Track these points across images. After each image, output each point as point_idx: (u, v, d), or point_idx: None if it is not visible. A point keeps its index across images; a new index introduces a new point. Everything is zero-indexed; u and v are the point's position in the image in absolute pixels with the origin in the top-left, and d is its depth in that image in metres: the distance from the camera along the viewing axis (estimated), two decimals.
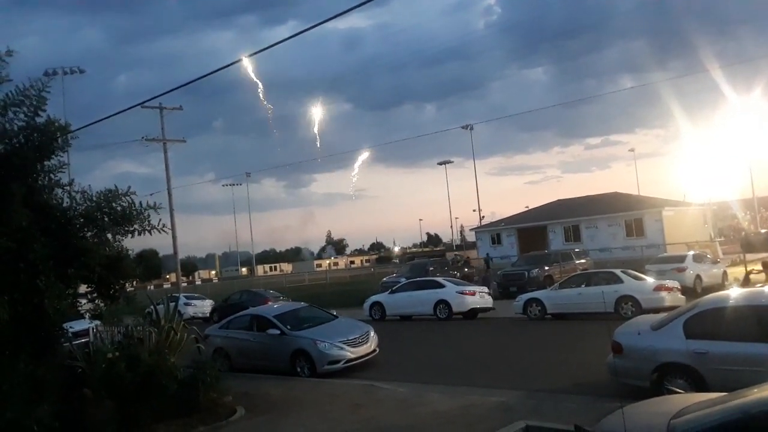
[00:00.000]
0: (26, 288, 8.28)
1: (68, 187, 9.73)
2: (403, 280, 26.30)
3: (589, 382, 10.17)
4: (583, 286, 18.56)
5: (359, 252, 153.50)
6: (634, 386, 8.55)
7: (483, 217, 64.08)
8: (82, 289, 9.94)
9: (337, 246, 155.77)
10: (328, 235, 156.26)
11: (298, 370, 13.18)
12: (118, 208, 9.48)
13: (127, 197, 9.51)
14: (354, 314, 20.20)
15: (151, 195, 22.61)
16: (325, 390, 11.26)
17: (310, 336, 13.36)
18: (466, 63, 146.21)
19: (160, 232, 9.88)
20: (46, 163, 9.36)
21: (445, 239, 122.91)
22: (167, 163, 37.24)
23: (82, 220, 9.46)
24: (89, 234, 9.54)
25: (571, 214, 47.78)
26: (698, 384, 7.92)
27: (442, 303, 20.99)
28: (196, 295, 34.61)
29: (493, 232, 53.00)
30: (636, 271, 19.46)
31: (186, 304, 28.66)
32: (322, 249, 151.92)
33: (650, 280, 18.37)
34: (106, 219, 9.47)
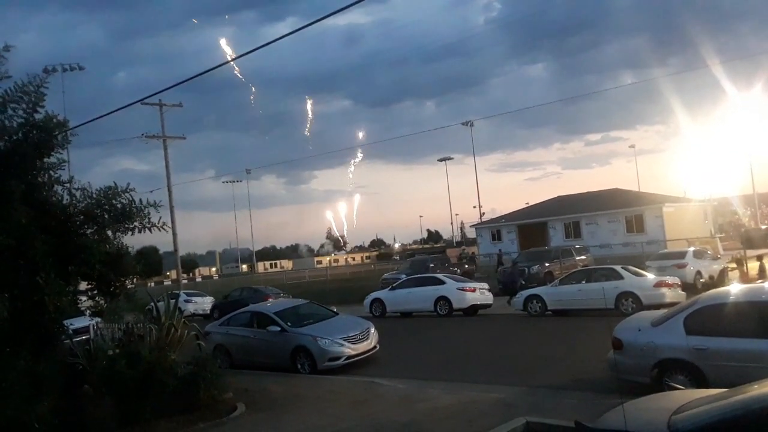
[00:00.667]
0: (26, 285, 8.27)
1: (68, 184, 9.70)
2: (404, 277, 26.31)
3: (590, 379, 10.18)
4: (583, 282, 18.56)
5: (360, 249, 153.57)
6: (634, 382, 8.54)
7: (483, 213, 64.03)
8: (83, 286, 9.93)
9: (337, 243, 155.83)
10: (329, 232, 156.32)
11: (299, 366, 13.19)
12: (118, 206, 9.45)
13: (127, 194, 9.49)
14: (354, 311, 20.23)
15: (151, 192, 22.61)
16: (325, 387, 11.27)
17: (310, 333, 13.36)
18: (466, 59, 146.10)
19: (160, 229, 9.86)
20: (45, 160, 9.32)
21: (446, 236, 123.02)
22: (167, 160, 37.26)
23: (82, 217, 9.44)
24: (89, 231, 9.52)
25: (572, 210, 47.76)
26: (698, 380, 7.93)
27: (443, 299, 21.00)
28: (196, 292, 34.62)
29: (494, 228, 53.01)
30: (636, 267, 19.46)
31: (186, 301, 28.68)
32: (322, 246, 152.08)
33: (651, 276, 18.37)
34: (106, 216, 9.44)
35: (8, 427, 7.40)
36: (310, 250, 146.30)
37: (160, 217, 9.85)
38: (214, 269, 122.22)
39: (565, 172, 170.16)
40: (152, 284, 63.61)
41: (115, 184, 9.52)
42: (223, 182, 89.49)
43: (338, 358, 13.00)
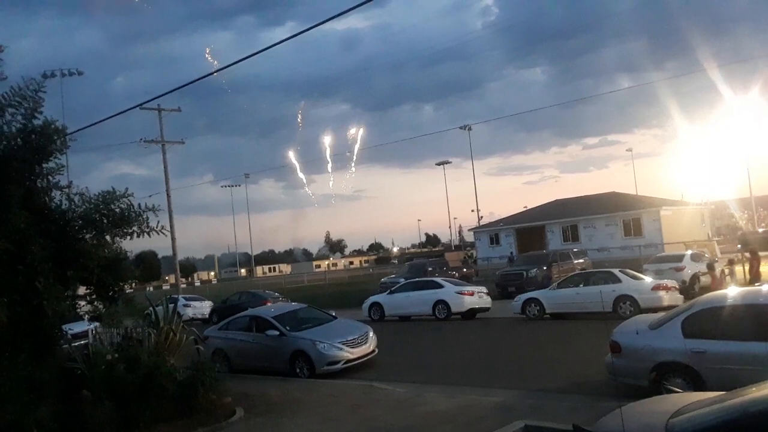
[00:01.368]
0: (25, 290, 8.28)
1: (66, 189, 9.72)
2: (402, 281, 26.33)
3: (588, 382, 10.19)
4: (581, 285, 18.59)
5: (358, 252, 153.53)
6: (632, 385, 8.56)
7: (481, 217, 64.26)
8: (81, 290, 9.93)
9: (337, 248, 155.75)
10: (327, 236, 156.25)
11: (298, 370, 13.18)
12: (117, 210, 9.47)
13: (126, 199, 9.51)
14: (353, 315, 20.23)
15: (150, 196, 22.66)
16: (324, 391, 11.27)
17: (309, 337, 13.36)
18: (464, 63, 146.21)
19: (158, 233, 9.88)
20: (44, 165, 9.35)
21: (444, 239, 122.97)
22: (166, 165, 37.26)
23: (80, 222, 9.45)
24: (88, 236, 9.53)
25: (569, 213, 47.86)
26: (696, 383, 7.94)
27: (441, 303, 21.01)
28: (195, 296, 34.60)
29: (492, 232, 53.07)
30: (634, 270, 19.49)
31: (185, 306, 28.63)
32: (320, 250, 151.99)
33: (648, 279, 18.40)
34: (104, 221, 9.45)
35: (8, 431, 7.39)
36: (306, 253, 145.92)
37: (159, 222, 9.88)
38: (212, 273, 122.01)
39: (563, 175, 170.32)
40: (151, 289, 63.58)
41: (114, 188, 9.55)
42: (222, 186, 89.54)
43: (337, 362, 13.00)
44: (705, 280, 19.89)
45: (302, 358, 13.17)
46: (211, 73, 10.36)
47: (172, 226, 35.83)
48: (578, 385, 10.18)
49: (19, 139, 8.99)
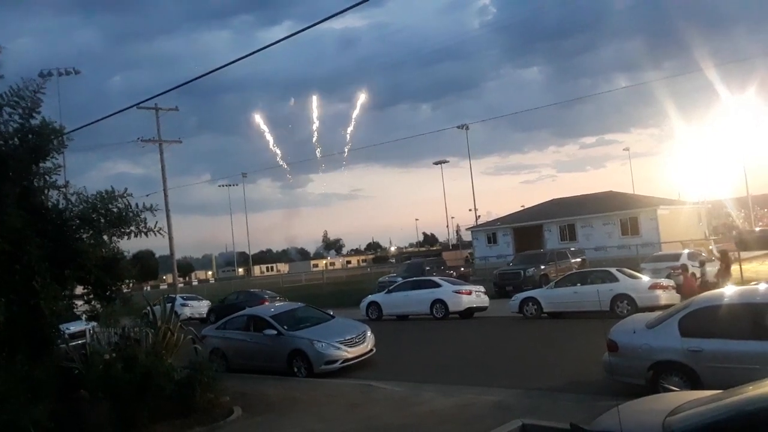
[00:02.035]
0: (22, 289, 8.27)
1: (64, 189, 9.71)
2: (400, 280, 26.32)
3: (585, 381, 10.21)
4: (578, 284, 18.60)
5: (356, 252, 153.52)
6: (629, 384, 8.59)
7: (479, 216, 64.16)
8: (78, 290, 9.92)
9: (334, 246, 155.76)
10: (324, 236, 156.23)
11: (295, 370, 13.18)
12: (114, 210, 9.46)
13: (123, 199, 9.50)
14: (351, 314, 20.21)
15: (147, 196, 22.63)
16: (322, 390, 11.27)
17: (307, 336, 13.36)
18: (462, 63, 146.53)
19: (156, 233, 9.88)
20: (41, 164, 9.34)
21: (442, 239, 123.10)
22: (163, 164, 37.22)
23: (77, 221, 9.44)
24: (85, 235, 9.52)
25: (567, 213, 47.89)
26: (693, 382, 7.96)
27: (439, 302, 21.02)
28: (192, 295, 34.54)
29: (489, 231, 53.06)
30: (631, 269, 19.52)
31: (183, 305, 28.56)
32: (318, 249, 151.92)
33: (645, 278, 18.44)
34: (102, 220, 9.45)
35: (4, 431, 7.38)
36: (301, 252, 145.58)
37: (156, 221, 9.88)
38: (210, 273, 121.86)
39: (560, 174, 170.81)
40: (148, 288, 63.48)
41: (112, 188, 9.54)
42: (219, 186, 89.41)
43: (335, 362, 13.00)
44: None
45: (300, 358, 13.16)
46: (209, 73, 10.34)
47: (169, 226, 35.77)
48: (575, 384, 10.19)
49: (16, 139, 8.98)
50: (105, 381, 8.97)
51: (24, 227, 8.31)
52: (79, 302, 10.05)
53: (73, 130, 10.17)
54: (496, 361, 13.31)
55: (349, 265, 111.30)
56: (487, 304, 21.47)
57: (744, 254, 26.18)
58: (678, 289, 17.38)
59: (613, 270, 18.60)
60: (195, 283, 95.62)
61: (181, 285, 54.08)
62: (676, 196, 54.52)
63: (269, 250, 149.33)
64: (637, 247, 32.35)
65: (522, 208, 60.25)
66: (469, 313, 20.96)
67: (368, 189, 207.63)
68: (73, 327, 12.01)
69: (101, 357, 9.38)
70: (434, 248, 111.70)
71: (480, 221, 59.45)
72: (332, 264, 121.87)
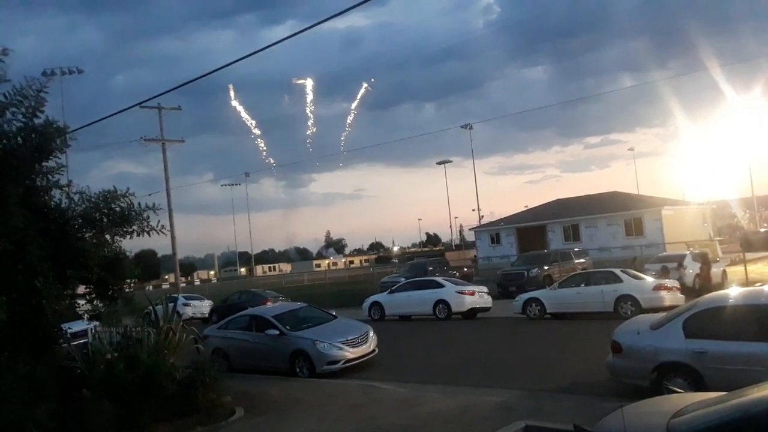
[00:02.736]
0: (24, 289, 8.27)
1: (66, 188, 9.71)
2: (403, 280, 26.31)
3: (589, 382, 10.17)
4: (582, 285, 18.56)
5: (358, 252, 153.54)
6: (633, 386, 8.55)
7: (482, 216, 64.20)
8: (81, 289, 9.92)
9: (336, 246, 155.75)
10: (327, 235, 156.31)
11: (297, 370, 13.17)
12: (117, 209, 9.46)
13: (126, 198, 9.50)
14: (353, 314, 20.21)
15: (149, 195, 22.66)
16: (324, 390, 11.25)
17: (309, 336, 13.35)
18: (466, 62, 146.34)
19: (158, 233, 9.87)
20: (44, 164, 9.34)
21: (445, 239, 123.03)
22: (166, 164, 37.19)
23: (80, 221, 9.44)
24: (88, 235, 9.52)
25: (571, 213, 47.78)
26: (697, 383, 7.92)
27: (442, 303, 20.99)
28: (194, 295, 34.54)
29: (493, 231, 52.98)
30: (635, 270, 19.45)
31: (185, 305, 28.61)
32: (320, 249, 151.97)
33: (649, 279, 18.37)
34: (104, 220, 9.45)
35: (7, 430, 7.37)
36: (299, 252, 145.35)
37: (159, 221, 9.86)
38: (212, 272, 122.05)
39: (565, 175, 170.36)
40: (150, 288, 63.53)
41: (114, 187, 9.54)
42: (222, 185, 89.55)
43: (337, 362, 12.98)
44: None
45: (302, 358, 13.15)
46: (212, 72, 10.34)
47: (172, 225, 35.77)
48: (579, 385, 10.15)
49: (19, 138, 8.98)
50: (107, 381, 8.97)
51: (26, 227, 8.31)
52: (82, 302, 10.04)
53: (75, 129, 10.18)
54: (499, 362, 13.27)
55: (352, 265, 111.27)
56: (490, 305, 21.43)
57: (749, 255, 26.06)
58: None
59: (617, 271, 18.55)
60: (197, 282, 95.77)
61: (184, 285, 54.07)
62: (681, 196, 54.34)
63: (271, 250, 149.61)
64: (642, 248, 32.27)
65: (525, 209, 60.18)
66: (472, 313, 20.92)
67: (371, 189, 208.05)
68: (75, 326, 12.00)
69: (103, 357, 9.37)
70: (437, 248, 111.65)
71: (483, 221, 59.48)
72: (335, 264, 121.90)
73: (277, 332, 13.60)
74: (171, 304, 12.97)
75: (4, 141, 8.92)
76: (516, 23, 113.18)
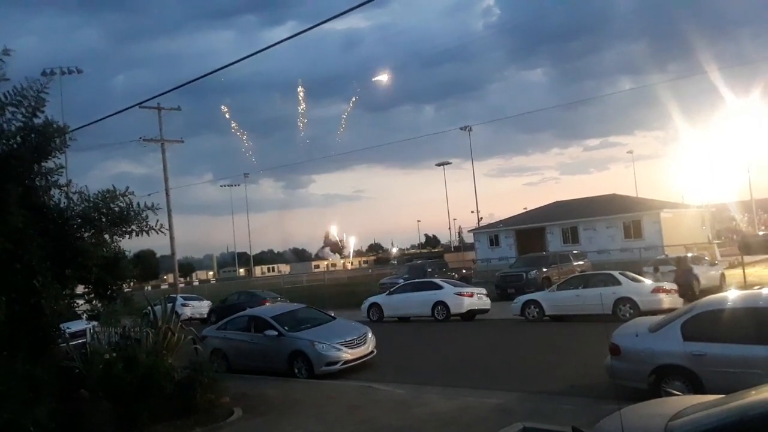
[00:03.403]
0: (23, 288, 8.26)
1: (65, 188, 9.70)
2: (401, 282, 26.32)
3: (587, 384, 10.17)
4: (581, 287, 18.57)
5: (357, 253, 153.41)
6: (631, 388, 8.55)
7: (481, 218, 64.18)
8: (80, 289, 9.92)
9: (335, 248, 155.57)
10: (326, 236, 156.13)
11: (296, 371, 13.16)
12: (116, 209, 9.46)
13: (125, 198, 9.50)
14: (352, 315, 20.22)
15: (149, 195, 22.65)
16: (322, 391, 11.25)
17: (307, 337, 13.34)
18: (465, 64, 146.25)
19: (158, 233, 9.87)
20: (43, 164, 9.33)
21: (444, 240, 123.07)
22: (165, 164, 37.18)
23: (79, 220, 9.44)
24: (87, 235, 9.52)
25: (570, 215, 47.80)
26: (696, 386, 7.93)
27: (440, 304, 21.00)
28: (193, 295, 34.54)
29: (492, 233, 52.99)
30: (634, 272, 19.48)
31: (183, 305, 28.57)
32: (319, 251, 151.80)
33: (648, 282, 18.39)
34: (103, 220, 9.44)
35: (5, 430, 7.37)
36: (296, 253, 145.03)
37: (158, 221, 9.86)
38: (211, 273, 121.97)
39: (564, 177, 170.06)
40: (149, 288, 63.50)
41: (114, 187, 9.53)
42: (221, 186, 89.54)
43: (335, 363, 12.98)
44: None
45: (301, 359, 13.15)
46: (211, 72, 10.35)
47: (171, 226, 35.73)
48: (577, 388, 10.16)
49: (18, 138, 8.98)
50: (105, 381, 8.97)
51: (26, 226, 8.30)
52: (80, 301, 10.04)
53: (75, 129, 10.18)
54: (497, 363, 13.28)
55: (351, 267, 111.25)
56: (488, 307, 21.44)
57: (748, 258, 26.06)
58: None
59: (616, 273, 18.55)
60: (196, 283, 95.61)
61: (182, 285, 54.08)
62: (680, 199, 54.40)
63: (270, 251, 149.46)
64: (640, 251, 32.28)
65: (524, 211, 60.16)
66: (470, 315, 20.93)
67: (370, 190, 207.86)
68: (74, 326, 12.00)
69: (102, 357, 9.37)
70: (436, 250, 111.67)
71: (482, 223, 59.45)
72: (333, 265, 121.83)
73: (276, 333, 13.60)
74: (170, 305, 12.96)
75: (4, 141, 8.92)
76: (516, 25, 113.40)
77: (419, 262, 44.94)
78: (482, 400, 9.54)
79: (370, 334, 14.08)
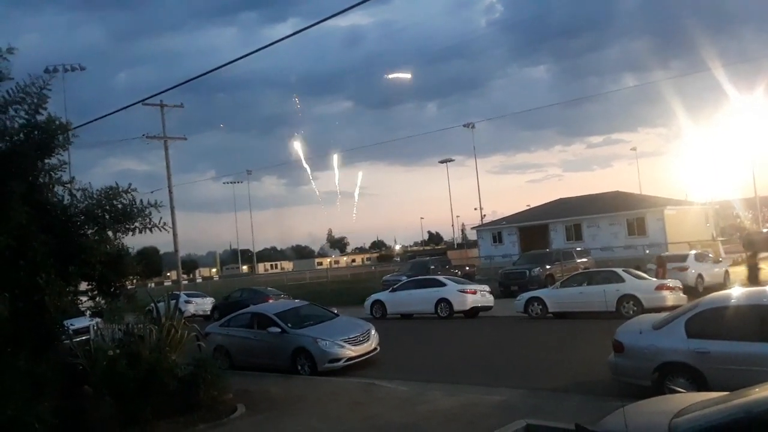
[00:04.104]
0: (27, 285, 8.27)
1: (69, 185, 9.71)
2: (404, 279, 26.30)
3: (591, 381, 10.16)
4: (584, 285, 18.55)
5: (360, 250, 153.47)
6: (635, 385, 8.54)
7: (484, 215, 64.26)
8: (83, 286, 9.92)
9: (338, 245, 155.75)
10: (329, 233, 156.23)
11: (299, 368, 13.17)
12: (119, 206, 9.45)
13: (128, 195, 9.50)
14: (355, 312, 20.21)
15: (152, 192, 22.68)
16: (325, 388, 11.26)
17: (310, 334, 13.35)
18: (468, 61, 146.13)
19: (161, 229, 9.87)
20: (46, 161, 9.34)
21: (447, 237, 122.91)
22: (168, 161, 37.29)
23: (82, 217, 9.45)
24: (90, 231, 9.52)
25: (573, 212, 47.74)
26: (699, 383, 7.91)
27: (443, 301, 20.99)
28: (196, 292, 34.58)
29: (495, 230, 52.97)
30: (637, 270, 19.43)
31: (187, 302, 28.65)
32: (322, 247, 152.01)
33: (652, 279, 18.35)
34: (107, 216, 9.44)
35: (9, 427, 7.38)
36: (296, 250, 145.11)
37: (161, 218, 9.87)
38: (214, 270, 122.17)
39: (567, 174, 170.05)
40: (152, 285, 63.54)
41: (117, 184, 9.54)
42: (224, 183, 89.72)
43: (338, 360, 12.98)
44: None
45: (304, 356, 13.16)
46: (214, 70, 10.33)
47: (174, 222, 35.86)
48: (581, 385, 10.14)
49: (21, 135, 8.98)
50: (109, 377, 8.99)
51: (29, 223, 8.31)
52: (84, 298, 10.04)
53: (78, 126, 10.17)
54: (500, 360, 13.27)
55: (354, 264, 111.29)
56: (491, 304, 21.42)
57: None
58: None
59: (620, 270, 18.53)
60: (199, 280, 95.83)
61: (185, 282, 54.22)
62: (684, 196, 54.21)
63: (273, 248, 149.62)
64: (644, 248, 32.22)
65: (528, 208, 60.16)
66: (473, 312, 20.92)
67: (373, 187, 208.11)
68: (78, 323, 12.03)
69: (105, 353, 9.39)
70: (439, 247, 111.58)
71: (485, 220, 59.49)
72: (336, 262, 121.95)
73: (279, 330, 13.61)
74: (173, 302, 12.98)
75: (7, 138, 8.93)
76: (518, 22, 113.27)
77: (422, 259, 44.91)
78: (485, 397, 9.54)
79: (373, 331, 14.09)
